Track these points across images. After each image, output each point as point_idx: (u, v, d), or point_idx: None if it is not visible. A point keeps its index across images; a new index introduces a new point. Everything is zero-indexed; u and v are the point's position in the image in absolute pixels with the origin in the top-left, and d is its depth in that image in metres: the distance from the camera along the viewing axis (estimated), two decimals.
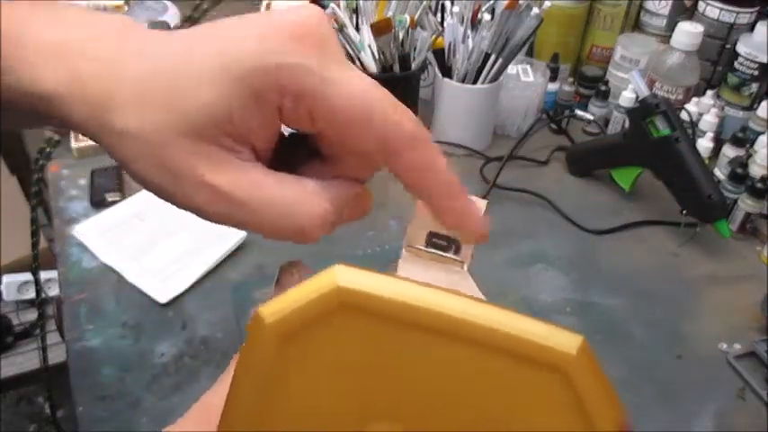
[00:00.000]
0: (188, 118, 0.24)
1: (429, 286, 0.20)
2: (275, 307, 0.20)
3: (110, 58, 0.25)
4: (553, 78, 0.99)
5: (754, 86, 0.91)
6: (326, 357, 0.20)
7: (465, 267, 0.37)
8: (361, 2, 0.87)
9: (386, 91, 0.25)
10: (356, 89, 0.24)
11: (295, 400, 0.21)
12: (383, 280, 0.20)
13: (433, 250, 0.36)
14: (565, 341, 0.20)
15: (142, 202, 0.78)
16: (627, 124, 0.85)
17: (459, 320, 0.20)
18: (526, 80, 0.96)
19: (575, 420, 0.20)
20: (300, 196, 0.26)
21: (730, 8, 0.93)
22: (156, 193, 0.26)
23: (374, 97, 0.25)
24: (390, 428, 0.21)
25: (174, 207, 0.26)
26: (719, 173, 0.86)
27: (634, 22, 1.05)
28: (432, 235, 0.37)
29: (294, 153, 0.29)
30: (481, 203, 0.38)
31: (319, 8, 0.25)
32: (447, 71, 0.90)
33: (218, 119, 0.24)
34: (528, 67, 0.98)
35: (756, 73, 0.90)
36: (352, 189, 0.28)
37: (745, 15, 0.93)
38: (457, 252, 0.38)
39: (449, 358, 0.20)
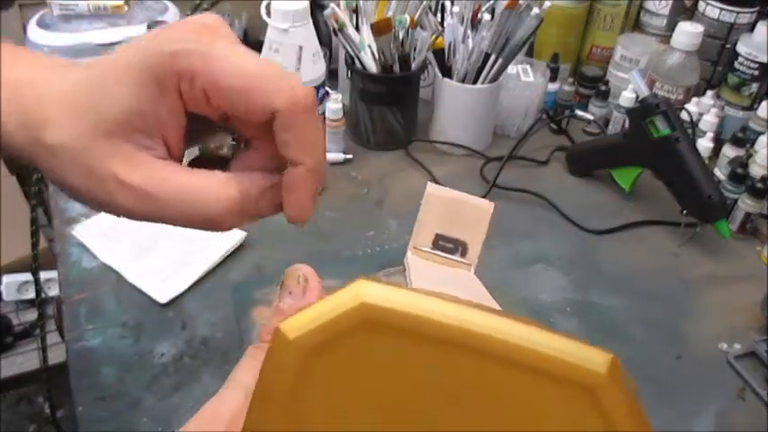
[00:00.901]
0: (104, 118, 0.26)
1: (454, 301, 0.20)
2: (298, 322, 0.20)
3: (43, 83, 0.27)
4: (553, 78, 0.99)
5: (754, 86, 0.91)
6: (350, 373, 0.20)
7: (472, 270, 0.37)
8: (361, 2, 0.87)
9: (275, 65, 0.27)
10: (238, 62, 0.27)
11: (318, 417, 0.21)
12: (408, 295, 0.20)
13: (439, 253, 0.36)
14: (594, 359, 0.20)
15: None
16: (627, 124, 0.85)
17: (485, 336, 0.19)
18: (526, 80, 0.96)
19: None
20: (208, 186, 0.27)
21: (730, 8, 0.93)
22: (90, 204, 0.28)
23: (256, 68, 0.27)
24: None
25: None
26: (719, 173, 0.86)
27: (634, 22, 1.05)
28: (439, 237, 0.37)
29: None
30: (488, 206, 0.39)
31: (217, 15, 0.29)
32: (447, 71, 0.90)
33: (130, 112, 0.27)
34: (528, 67, 0.98)
35: (756, 73, 0.90)
36: (264, 179, 0.29)
37: (745, 15, 0.93)
38: (464, 255, 0.38)
39: (475, 374, 0.20)
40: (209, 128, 0.31)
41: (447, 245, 0.38)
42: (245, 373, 0.28)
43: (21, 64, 0.29)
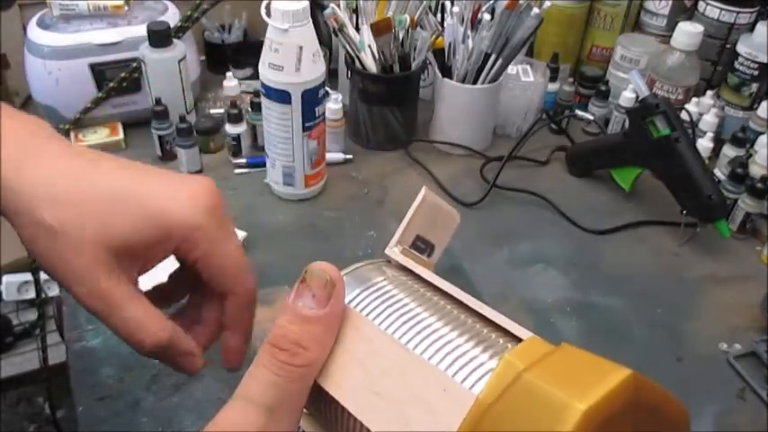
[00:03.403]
0: (113, 240, 0.32)
1: None
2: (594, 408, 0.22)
3: (73, 180, 0.33)
4: (553, 78, 0.99)
5: (754, 86, 0.91)
6: None
7: (431, 268, 0.42)
8: (361, 2, 0.87)
9: (245, 258, 0.37)
10: (229, 251, 0.36)
11: None
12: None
13: (413, 251, 0.40)
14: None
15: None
16: (627, 124, 0.85)
17: None
18: (526, 80, 0.96)
19: None
20: (152, 322, 0.34)
21: (730, 8, 0.93)
22: (49, 274, 0.33)
23: (238, 260, 0.37)
24: None
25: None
26: (719, 173, 0.86)
27: (634, 22, 1.05)
28: (418, 238, 0.41)
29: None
30: (456, 216, 0.45)
31: (211, 181, 0.36)
32: (447, 71, 0.90)
33: (135, 246, 0.33)
34: (528, 67, 0.98)
35: (756, 73, 0.90)
36: (189, 343, 0.37)
37: (745, 15, 0.93)
38: (429, 256, 0.43)
39: None
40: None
41: (421, 245, 0.41)
42: (264, 390, 0.29)
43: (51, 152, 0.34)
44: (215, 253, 0.35)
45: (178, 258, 0.37)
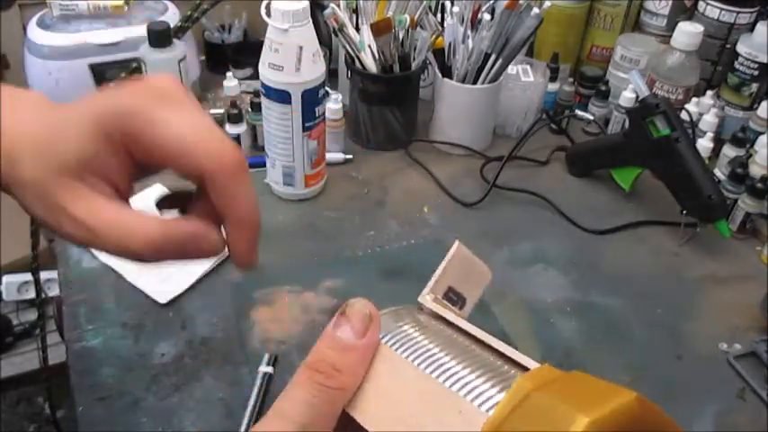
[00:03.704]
0: (62, 159, 0.31)
1: None
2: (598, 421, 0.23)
3: (24, 122, 0.32)
4: (553, 78, 0.99)
5: (754, 86, 0.91)
6: None
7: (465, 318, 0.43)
8: (361, 2, 0.87)
9: (213, 130, 0.32)
10: (176, 128, 0.31)
11: None
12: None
13: (445, 302, 0.42)
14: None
15: (142, 201, 0.77)
16: (627, 124, 0.85)
17: None
18: (526, 80, 0.96)
19: None
20: (133, 223, 0.32)
21: (730, 8, 0.93)
22: (48, 230, 0.33)
23: (191, 134, 0.32)
24: None
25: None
26: (719, 173, 0.86)
27: (634, 22, 1.05)
28: (450, 289, 0.42)
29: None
30: (488, 273, 0.45)
31: (173, 76, 0.33)
32: (447, 71, 0.90)
33: (83, 158, 0.32)
34: (528, 67, 0.98)
35: (756, 73, 0.90)
36: (189, 226, 0.33)
37: (745, 15, 0.93)
38: (461, 308, 0.44)
39: None
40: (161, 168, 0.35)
41: (453, 297, 0.42)
42: (299, 408, 0.30)
43: (15, 105, 0.34)
44: (160, 129, 0.31)
45: (144, 165, 0.34)
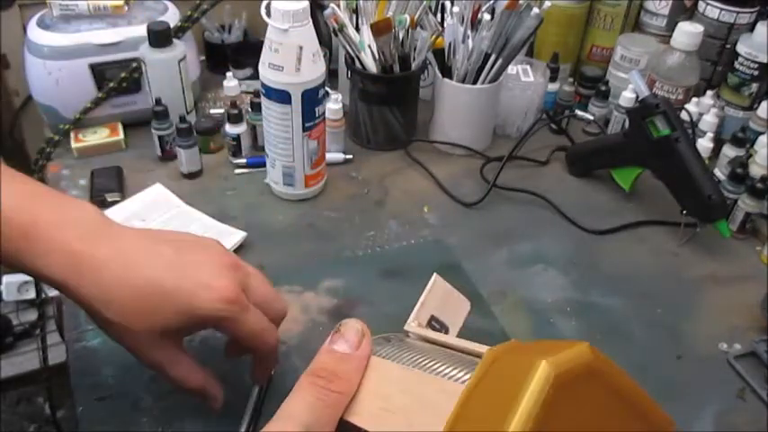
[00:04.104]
0: (156, 328, 0.44)
1: None
2: (555, 361, 0.28)
3: (105, 265, 0.44)
4: (553, 78, 0.99)
5: (754, 86, 0.91)
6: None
7: None
8: (361, 2, 0.87)
9: (258, 325, 0.47)
10: (248, 330, 0.47)
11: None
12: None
13: (429, 330, 0.46)
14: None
15: (142, 202, 0.78)
16: (627, 124, 0.85)
17: None
18: (526, 80, 0.96)
19: None
20: (186, 375, 0.48)
21: (730, 8, 0.93)
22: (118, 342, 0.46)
23: (254, 331, 0.47)
24: None
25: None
26: (719, 173, 0.86)
27: (634, 22, 1.05)
28: (432, 318, 0.46)
29: None
30: (467, 304, 0.49)
31: (232, 269, 0.47)
32: (447, 71, 0.90)
33: (175, 329, 0.45)
34: (528, 67, 0.98)
35: (756, 73, 0.90)
36: (216, 386, 0.51)
37: (745, 15, 0.93)
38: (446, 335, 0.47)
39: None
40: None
41: (436, 325, 0.46)
42: (303, 410, 0.35)
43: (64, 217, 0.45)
44: (237, 327, 0.46)
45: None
